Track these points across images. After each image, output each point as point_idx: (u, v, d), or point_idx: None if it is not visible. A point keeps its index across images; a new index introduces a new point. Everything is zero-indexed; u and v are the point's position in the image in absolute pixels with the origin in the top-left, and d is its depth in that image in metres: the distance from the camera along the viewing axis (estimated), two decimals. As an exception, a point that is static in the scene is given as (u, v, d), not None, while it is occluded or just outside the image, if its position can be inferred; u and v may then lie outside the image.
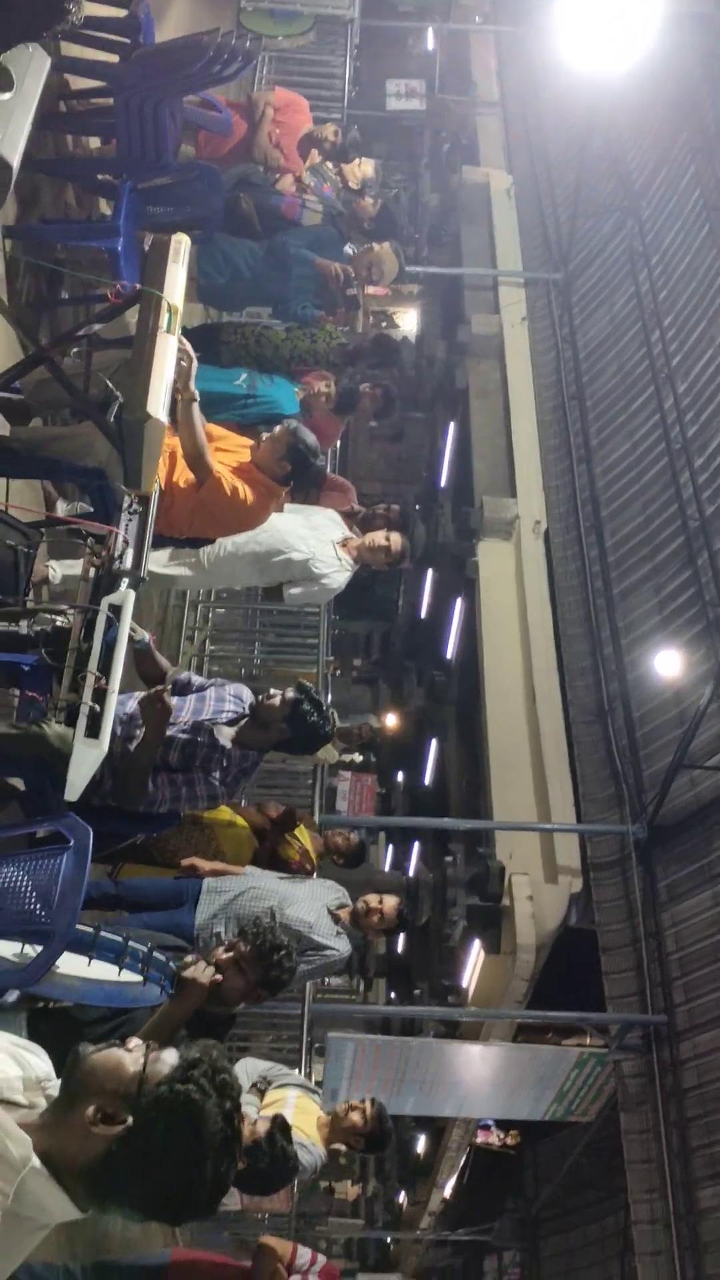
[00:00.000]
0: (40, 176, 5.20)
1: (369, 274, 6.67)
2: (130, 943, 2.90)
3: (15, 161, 3.74)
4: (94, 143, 5.70)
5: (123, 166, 4.97)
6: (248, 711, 4.24)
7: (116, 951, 2.86)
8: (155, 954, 3.04)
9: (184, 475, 4.69)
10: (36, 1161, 1.62)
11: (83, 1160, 1.65)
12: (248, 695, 4.37)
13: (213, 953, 3.68)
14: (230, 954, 3.60)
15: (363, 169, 7.21)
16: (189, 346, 4.23)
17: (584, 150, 11.71)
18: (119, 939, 2.86)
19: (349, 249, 6.68)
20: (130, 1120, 1.64)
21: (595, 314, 11.59)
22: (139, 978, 2.95)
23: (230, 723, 4.23)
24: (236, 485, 4.71)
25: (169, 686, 4.09)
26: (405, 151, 15.03)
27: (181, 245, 4.05)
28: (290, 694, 4.16)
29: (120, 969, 2.86)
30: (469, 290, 12.89)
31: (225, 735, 4.17)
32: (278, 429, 4.83)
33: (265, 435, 4.90)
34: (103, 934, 2.84)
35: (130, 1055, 1.70)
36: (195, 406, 4.45)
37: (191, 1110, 1.64)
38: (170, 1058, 1.70)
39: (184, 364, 4.14)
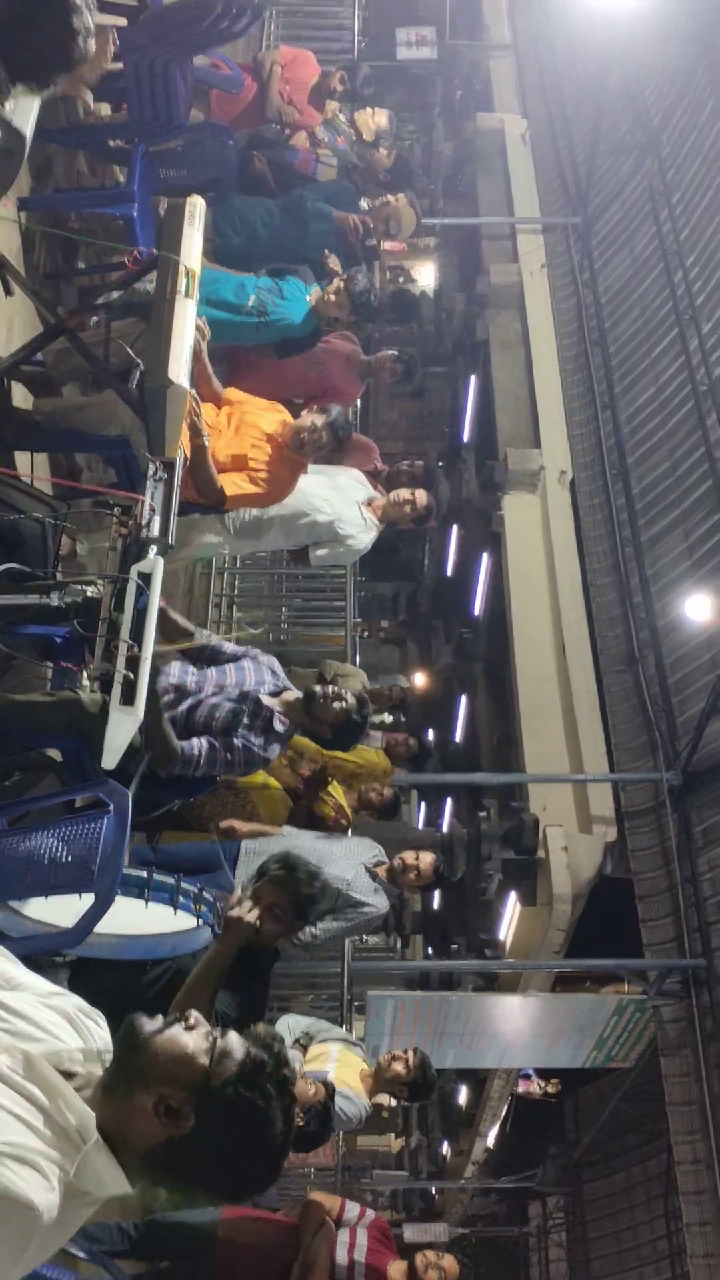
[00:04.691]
0: (52, 146, 5.17)
1: (386, 228, 6.59)
2: (182, 883, 2.99)
3: (28, 132, 3.71)
4: (104, 109, 5.64)
5: (134, 131, 4.94)
6: (301, 697, 4.33)
7: (169, 892, 2.94)
8: (205, 893, 3.12)
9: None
10: (98, 1137, 1.63)
11: (140, 1144, 1.67)
12: (279, 669, 4.45)
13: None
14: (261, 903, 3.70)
15: (376, 119, 7.08)
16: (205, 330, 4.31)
17: (600, 88, 11.47)
18: (171, 880, 2.95)
19: (364, 204, 6.59)
20: (193, 1121, 1.66)
21: (616, 257, 11.40)
22: (190, 919, 3.02)
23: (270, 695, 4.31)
24: (250, 484, 4.85)
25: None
26: (418, 101, 14.75)
27: (196, 208, 4.04)
28: (352, 702, 4.29)
29: (175, 909, 2.94)
30: (486, 240, 12.71)
31: (271, 704, 4.26)
32: (320, 422, 4.88)
33: (303, 421, 4.94)
34: (156, 877, 2.91)
35: (195, 1041, 1.69)
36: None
37: (257, 1117, 1.67)
38: (237, 1051, 1.69)
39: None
